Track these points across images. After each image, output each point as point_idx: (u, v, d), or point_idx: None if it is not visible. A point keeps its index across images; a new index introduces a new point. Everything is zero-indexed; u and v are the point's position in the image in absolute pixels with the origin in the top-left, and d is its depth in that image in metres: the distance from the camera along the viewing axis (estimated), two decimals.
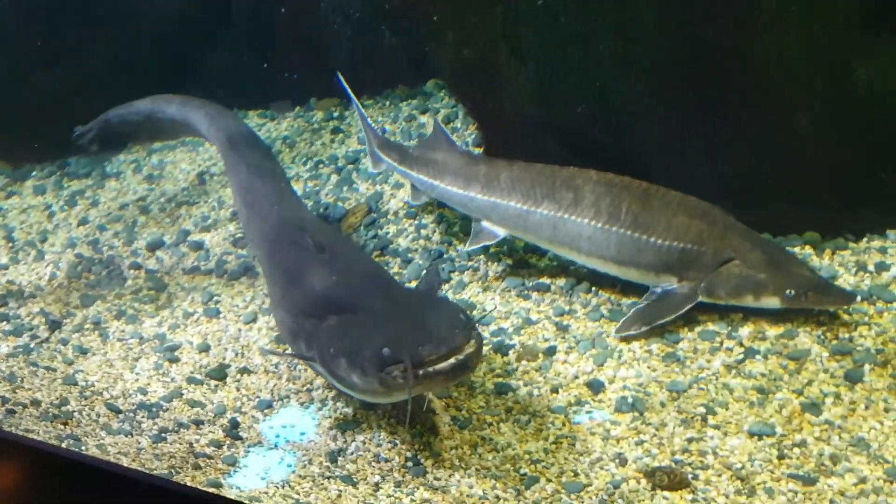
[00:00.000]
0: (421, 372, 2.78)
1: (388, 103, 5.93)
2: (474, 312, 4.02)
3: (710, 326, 3.67)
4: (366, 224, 4.80)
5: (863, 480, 2.85)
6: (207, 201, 5.52)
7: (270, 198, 4.12)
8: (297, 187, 5.28)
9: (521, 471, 3.12)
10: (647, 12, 3.86)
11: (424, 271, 4.20)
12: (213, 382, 3.78)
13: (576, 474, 3.07)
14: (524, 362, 3.67)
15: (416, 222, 4.71)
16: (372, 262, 3.98)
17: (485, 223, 4.16)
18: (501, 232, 4.13)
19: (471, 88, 4.55)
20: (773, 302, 3.57)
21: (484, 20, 4.25)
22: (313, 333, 3.19)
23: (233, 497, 2.95)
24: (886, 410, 3.10)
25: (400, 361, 2.82)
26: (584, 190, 3.87)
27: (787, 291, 3.52)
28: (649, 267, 3.77)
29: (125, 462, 3.07)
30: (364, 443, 3.29)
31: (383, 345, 2.85)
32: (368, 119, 4.88)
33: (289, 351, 3.38)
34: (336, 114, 6.06)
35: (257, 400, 3.62)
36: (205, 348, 4.04)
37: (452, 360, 2.78)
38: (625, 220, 3.78)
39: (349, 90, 4.80)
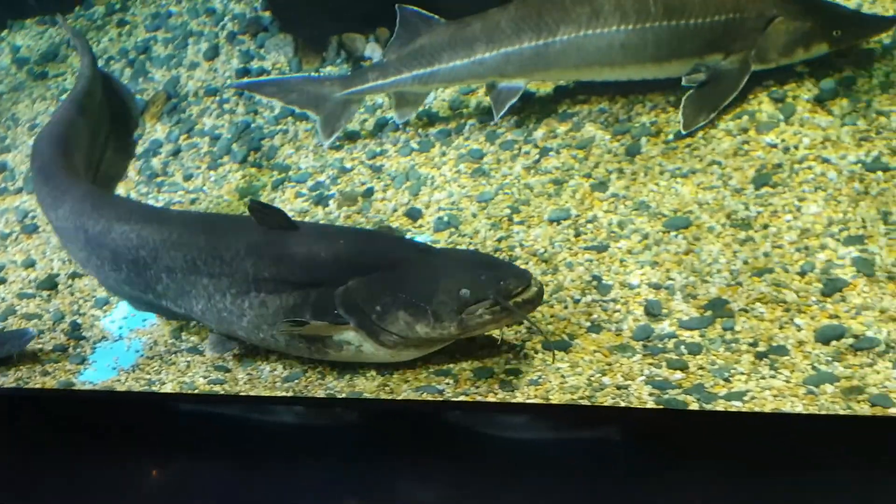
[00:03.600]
0: (511, 303, 2.73)
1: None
2: (290, 173, 4.14)
3: (509, 136, 3.92)
4: (167, 111, 4.74)
5: (645, 237, 3.24)
6: (1, 122, 5.28)
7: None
8: None
9: None
10: None
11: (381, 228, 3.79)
12: (45, 293, 3.79)
13: None
14: (345, 208, 3.85)
15: (218, 98, 4.70)
16: (343, 227, 3.66)
17: (502, 83, 3.83)
18: (521, 82, 3.82)
19: None
20: (822, 48, 3.51)
21: None
22: (325, 301, 2.93)
23: (87, 388, 3.08)
24: (661, 173, 3.47)
25: (483, 300, 2.75)
26: None
27: (834, 33, 3.47)
28: (693, 52, 3.58)
29: None
30: None
31: (458, 287, 2.77)
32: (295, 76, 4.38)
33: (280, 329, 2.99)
34: (118, 6, 5.80)
35: (94, 300, 3.68)
36: (30, 263, 4.02)
37: (534, 289, 2.75)
38: (656, 12, 3.55)
39: None
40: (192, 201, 4.22)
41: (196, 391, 2.97)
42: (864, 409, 2.43)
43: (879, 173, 3.13)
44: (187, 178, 4.37)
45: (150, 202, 4.27)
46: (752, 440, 2.41)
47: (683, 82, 3.62)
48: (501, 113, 3.85)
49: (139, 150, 4.65)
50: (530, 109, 4.00)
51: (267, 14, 4.94)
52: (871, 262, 2.85)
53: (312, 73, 4.66)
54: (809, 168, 3.24)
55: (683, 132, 3.53)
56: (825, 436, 2.40)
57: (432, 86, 4.01)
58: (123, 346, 3.37)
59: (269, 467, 2.52)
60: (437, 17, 3.90)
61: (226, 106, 4.64)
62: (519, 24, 3.73)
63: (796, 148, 3.33)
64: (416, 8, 3.91)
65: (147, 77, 5.04)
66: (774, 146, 3.37)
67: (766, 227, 3.10)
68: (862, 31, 3.51)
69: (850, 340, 2.65)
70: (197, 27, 5.19)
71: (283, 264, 2.98)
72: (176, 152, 4.55)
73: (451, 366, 2.90)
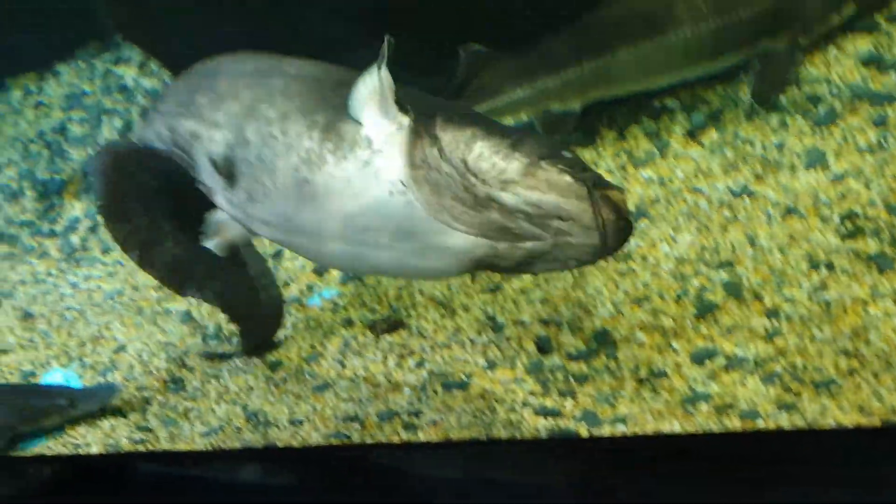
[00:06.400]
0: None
1: (82, 64, 5.85)
2: None
3: None
4: (84, 189, 4.85)
5: (536, 276, 3.40)
6: None
7: None
8: (11, 173, 5.21)
9: (268, 359, 3.47)
10: None
11: None
12: None
13: (312, 347, 3.45)
14: None
15: None
16: None
17: (557, 108, 3.81)
18: (577, 105, 3.80)
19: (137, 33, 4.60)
20: (850, 10, 3.71)
21: None
22: None
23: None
24: None
25: None
26: (651, 3, 3.71)
27: None
28: (746, 40, 3.70)
29: None
30: None
31: None
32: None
33: None
34: (34, 88, 5.91)
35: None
36: None
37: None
38: (708, 10, 3.65)
39: None
40: (110, 274, 4.31)
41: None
42: (734, 424, 2.60)
43: (746, 199, 3.34)
44: (105, 251, 4.46)
45: (70, 278, 4.36)
46: (630, 463, 2.56)
47: (742, 72, 3.74)
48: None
49: (58, 228, 4.74)
50: None
51: None
52: (739, 284, 3.03)
53: None
54: (683, 199, 3.45)
55: (765, 108, 3.61)
56: (699, 452, 2.55)
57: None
58: None
59: None
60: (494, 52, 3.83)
61: None
62: (578, 47, 3.79)
63: (671, 181, 3.54)
64: (477, 46, 3.83)
65: (65, 157, 5.14)
66: (651, 180, 3.57)
67: (644, 258, 3.28)
68: None
69: (723, 360, 2.82)
70: (111, 104, 5.32)
71: None
72: (94, 228, 4.64)
73: (358, 411, 3.02)
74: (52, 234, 4.77)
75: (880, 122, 3.36)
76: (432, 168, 2.15)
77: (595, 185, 2.10)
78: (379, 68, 2.15)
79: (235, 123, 2.51)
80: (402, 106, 2.20)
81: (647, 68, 3.75)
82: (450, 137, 2.15)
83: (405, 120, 2.20)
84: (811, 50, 3.75)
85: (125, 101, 5.26)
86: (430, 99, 2.39)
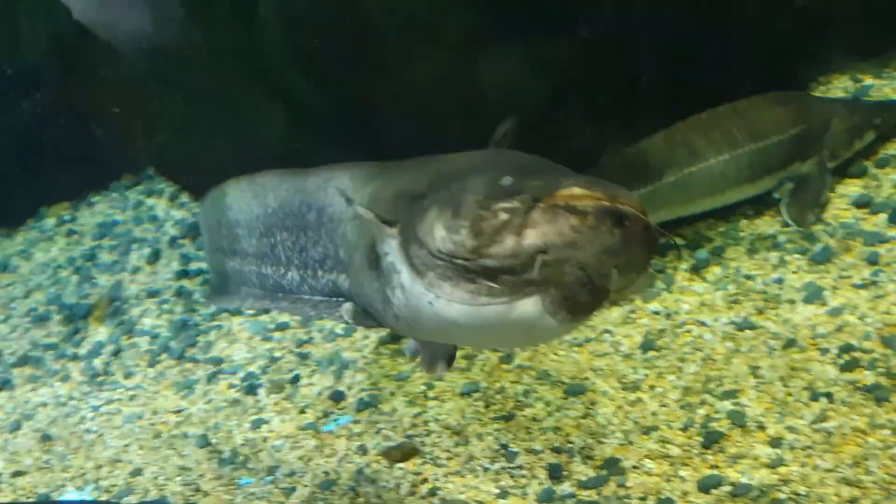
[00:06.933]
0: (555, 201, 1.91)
1: (115, 195, 6.17)
2: (223, 365, 4.40)
3: None
4: (110, 314, 5.03)
5: (548, 404, 3.50)
6: None
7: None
8: (40, 297, 5.42)
9: (281, 486, 3.53)
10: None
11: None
12: None
13: (326, 474, 3.51)
14: (273, 395, 4.08)
15: (158, 299, 5.01)
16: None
17: None
18: None
19: (172, 168, 4.91)
20: (870, 136, 4.02)
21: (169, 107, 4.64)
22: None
23: None
24: (560, 343, 3.79)
25: (518, 193, 1.93)
26: (690, 136, 3.96)
27: (875, 121, 4.01)
28: (781, 164, 3.96)
29: None
30: None
31: (502, 175, 1.98)
32: None
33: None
34: (67, 217, 6.21)
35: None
36: None
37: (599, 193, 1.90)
38: (743, 139, 3.92)
39: None
40: (131, 398, 4.42)
41: None
42: None
43: (748, 332, 3.47)
44: (127, 375, 4.59)
45: (91, 401, 4.46)
46: None
47: (775, 195, 3.99)
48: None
49: (82, 351, 4.88)
50: None
51: None
52: (743, 413, 3.13)
53: None
54: (689, 331, 3.58)
55: (804, 229, 3.82)
56: None
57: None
58: None
59: None
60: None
61: (165, 306, 4.94)
62: (627, 173, 3.97)
63: (677, 314, 3.69)
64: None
65: (91, 282, 5.36)
66: (658, 313, 3.72)
67: (652, 387, 3.39)
68: (892, 117, 4.07)
69: (728, 488, 2.89)
70: (140, 234, 5.58)
71: None
72: (117, 352, 4.79)
73: None
74: (76, 357, 4.91)
75: (873, 260, 3.53)
76: (431, 267, 1.96)
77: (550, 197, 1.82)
78: (356, 208, 2.13)
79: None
80: (386, 221, 2.09)
81: (692, 194, 3.99)
82: (422, 229, 1.97)
83: (395, 229, 2.07)
84: (840, 174, 4.03)
85: (154, 231, 5.52)
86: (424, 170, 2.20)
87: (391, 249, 2.07)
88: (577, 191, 1.81)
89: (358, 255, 2.33)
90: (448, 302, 1.94)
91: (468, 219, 1.87)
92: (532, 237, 1.81)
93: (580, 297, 1.90)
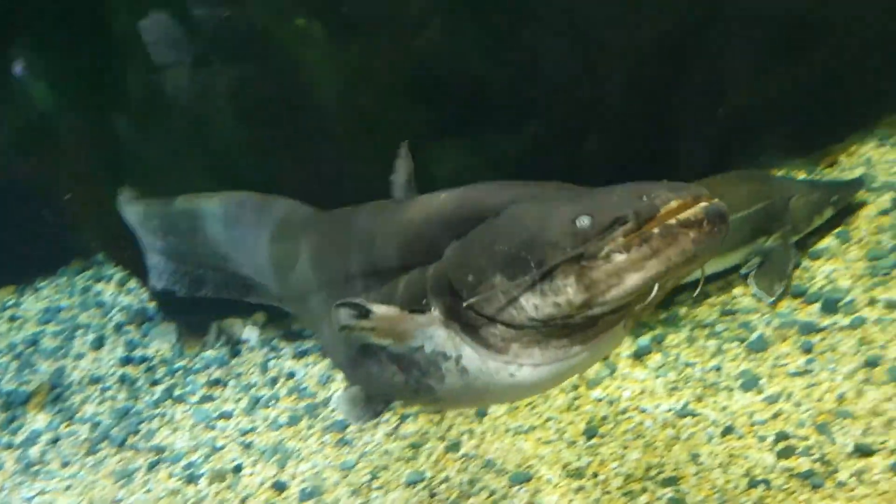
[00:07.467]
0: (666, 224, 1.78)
1: (63, 280, 6.10)
2: (165, 454, 4.30)
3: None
4: (50, 401, 4.91)
5: (493, 493, 3.49)
6: None
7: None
8: None
9: None
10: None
11: None
12: None
13: None
14: (215, 485, 4.00)
15: (100, 386, 4.91)
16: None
17: None
18: None
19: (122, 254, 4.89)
20: (829, 213, 4.19)
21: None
22: (418, 289, 2.07)
23: None
24: (506, 431, 3.79)
25: (614, 224, 1.79)
26: None
27: (833, 198, 4.18)
28: (747, 239, 4.11)
29: None
30: None
31: (573, 215, 1.83)
32: None
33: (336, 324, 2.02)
34: (11, 301, 6.11)
35: None
36: None
37: (704, 204, 1.82)
38: None
39: None
40: (67, 488, 4.28)
41: None
42: None
43: (688, 419, 3.52)
44: (64, 464, 4.45)
45: (24, 492, 4.31)
46: None
47: (742, 270, 4.15)
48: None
49: (17, 440, 4.74)
50: None
51: (152, 304, 5.32)
52: (683, 501, 3.15)
53: (194, 357, 4.95)
54: (630, 418, 3.62)
55: (771, 300, 3.95)
56: None
57: None
58: None
59: None
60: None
61: (107, 393, 4.85)
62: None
63: (619, 400, 3.73)
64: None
65: (32, 369, 5.24)
66: (601, 400, 3.77)
67: (595, 475, 3.40)
68: (848, 193, 4.27)
69: None
70: (86, 319, 5.51)
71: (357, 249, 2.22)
72: (55, 440, 4.65)
73: None
74: (10, 445, 4.76)
75: (807, 349, 3.64)
76: (515, 339, 1.84)
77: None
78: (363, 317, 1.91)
79: None
80: (419, 309, 1.93)
81: None
82: (492, 305, 1.82)
83: (435, 315, 1.92)
84: (805, 247, 4.22)
85: (101, 317, 5.45)
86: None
87: (432, 341, 1.91)
88: (674, 203, 1.70)
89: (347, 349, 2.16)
90: (535, 367, 1.83)
91: (570, 275, 1.72)
92: (655, 267, 1.70)
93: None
